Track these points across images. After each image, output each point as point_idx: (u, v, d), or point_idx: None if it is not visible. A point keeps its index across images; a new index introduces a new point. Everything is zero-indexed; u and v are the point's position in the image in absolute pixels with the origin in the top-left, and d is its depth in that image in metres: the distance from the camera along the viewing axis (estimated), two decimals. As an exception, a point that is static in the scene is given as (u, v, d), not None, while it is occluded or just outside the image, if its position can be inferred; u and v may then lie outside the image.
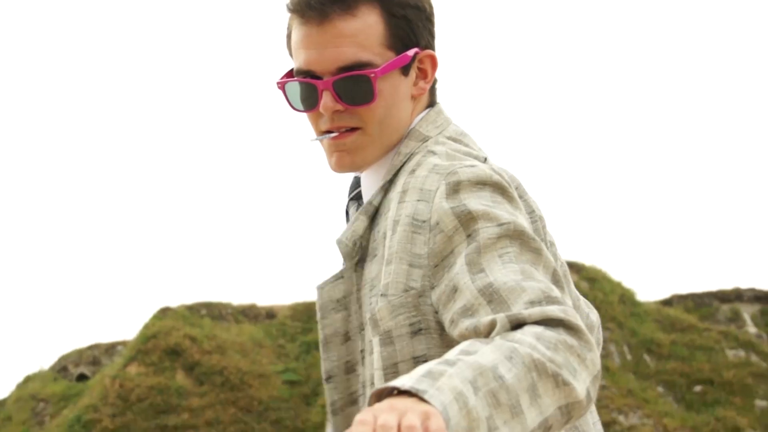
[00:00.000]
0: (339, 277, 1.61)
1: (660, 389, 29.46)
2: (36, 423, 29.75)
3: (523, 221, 1.44)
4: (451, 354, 1.24)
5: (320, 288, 1.62)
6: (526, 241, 1.40)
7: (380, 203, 1.61)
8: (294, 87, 1.63)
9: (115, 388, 26.50)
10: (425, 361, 1.48)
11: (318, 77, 1.60)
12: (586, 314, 1.76)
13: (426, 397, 1.13)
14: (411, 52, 1.60)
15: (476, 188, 1.45)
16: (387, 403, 1.13)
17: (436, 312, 1.47)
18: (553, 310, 1.29)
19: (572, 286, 1.76)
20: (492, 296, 1.33)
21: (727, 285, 34.17)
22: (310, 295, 32.74)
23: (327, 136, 1.62)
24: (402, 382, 1.16)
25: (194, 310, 28.52)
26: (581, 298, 1.77)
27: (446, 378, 1.17)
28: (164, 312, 28.98)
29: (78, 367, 32.06)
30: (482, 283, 1.35)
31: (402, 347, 1.48)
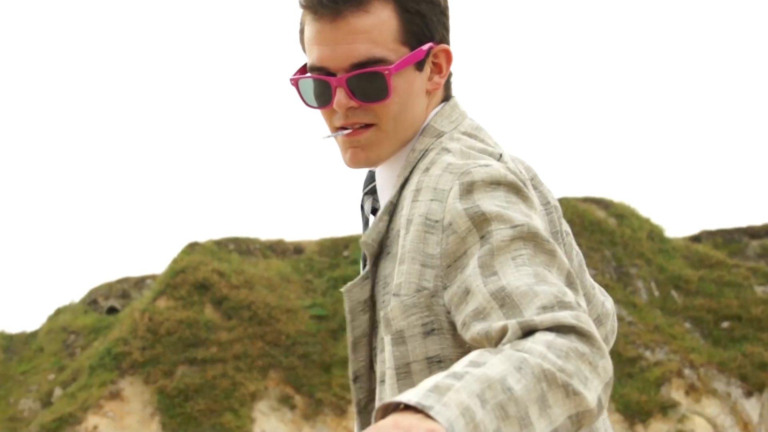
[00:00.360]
0: (365, 278, 1.60)
1: (687, 325, 29.45)
2: (67, 355, 30.10)
3: (538, 222, 1.43)
4: (460, 366, 1.23)
5: (347, 291, 1.60)
6: (540, 243, 1.39)
7: (397, 200, 1.60)
8: (307, 83, 1.62)
9: (145, 321, 26.78)
10: (438, 361, 1.48)
11: (332, 74, 1.60)
12: (601, 302, 1.76)
13: (432, 413, 1.13)
14: (425, 48, 1.58)
15: (490, 188, 1.44)
16: (391, 419, 1.13)
17: (449, 312, 1.46)
18: (565, 317, 1.28)
19: (587, 275, 1.76)
20: (504, 300, 1.33)
21: (757, 221, 33.95)
22: (338, 231, 32.88)
23: (341, 132, 1.61)
24: (408, 397, 1.15)
25: (222, 245, 28.66)
26: (596, 285, 1.77)
27: (453, 392, 1.17)
28: (192, 247, 29.15)
29: (108, 300, 32.36)
30: (495, 287, 1.34)
31: (414, 347, 1.48)
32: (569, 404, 1.23)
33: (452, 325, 1.48)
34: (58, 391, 27.48)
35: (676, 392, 26.79)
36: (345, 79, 1.56)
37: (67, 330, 30.81)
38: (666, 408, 26.26)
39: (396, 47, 1.57)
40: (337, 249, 30.55)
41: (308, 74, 1.61)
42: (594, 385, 1.26)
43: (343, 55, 1.55)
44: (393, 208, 1.59)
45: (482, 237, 1.40)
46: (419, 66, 1.59)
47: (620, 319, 29.01)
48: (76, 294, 39.11)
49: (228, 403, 24.57)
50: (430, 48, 1.59)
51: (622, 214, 32.33)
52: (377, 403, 1.54)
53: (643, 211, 35.77)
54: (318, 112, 1.68)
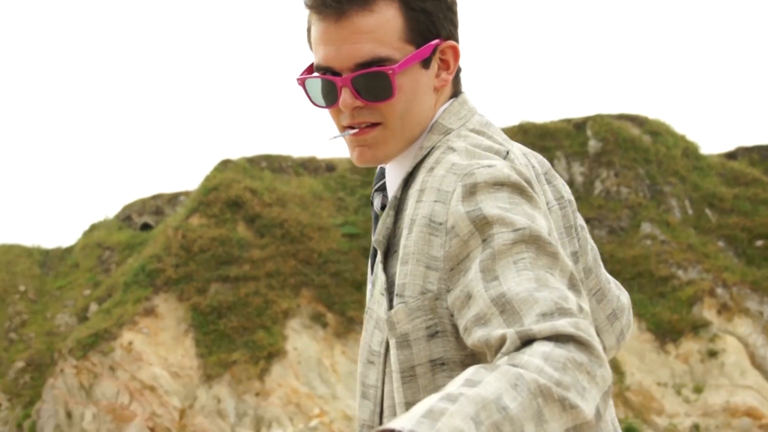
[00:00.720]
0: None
1: (720, 244, 29.33)
2: (102, 270, 30.39)
3: (542, 222, 1.42)
4: (455, 385, 1.22)
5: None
6: (542, 246, 1.37)
7: (401, 196, 1.61)
8: (314, 83, 1.63)
9: (178, 238, 26.95)
10: (442, 364, 1.47)
11: (337, 73, 1.60)
12: (616, 296, 1.77)
13: None
14: (432, 45, 1.58)
15: (494, 189, 1.42)
16: None
17: (452, 315, 1.46)
18: (563, 325, 1.27)
19: (602, 270, 1.75)
20: (504, 306, 1.31)
21: (794, 139, 33.51)
22: (371, 147, 32.76)
23: (348, 132, 1.62)
24: (401, 423, 1.14)
25: (254, 162, 28.69)
26: (611, 280, 1.78)
27: (447, 417, 1.15)
28: (225, 164, 29.19)
29: (142, 217, 32.55)
30: (495, 293, 1.33)
31: (419, 350, 1.47)
32: (566, 418, 1.21)
33: (455, 328, 1.47)
34: (93, 307, 27.82)
35: (708, 311, 26.78)
36: (350, 78, 1.56)
37: (102, 246, 31.07)
38: (697, 327, 26.28)
39: (401, 46, 1.56)
40: (369, 167, 30.56)
41: (314, 74, 1.62)
42: (592, 395, 1.24)
43: (347, 55, 1.55)
44: (398, 203, 1.59)
45: (484, 240, 1.39)
46: (425, 63, 1.59)
47: (653, 237, 28.93)
48: (110, 210, 39.39)
49: (260, 320, 24.80)
50: (437, 45, 1.59)
51: (657, 131, 32.04)
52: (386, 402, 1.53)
53: (679, 127, 35.51)
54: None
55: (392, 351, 1.49)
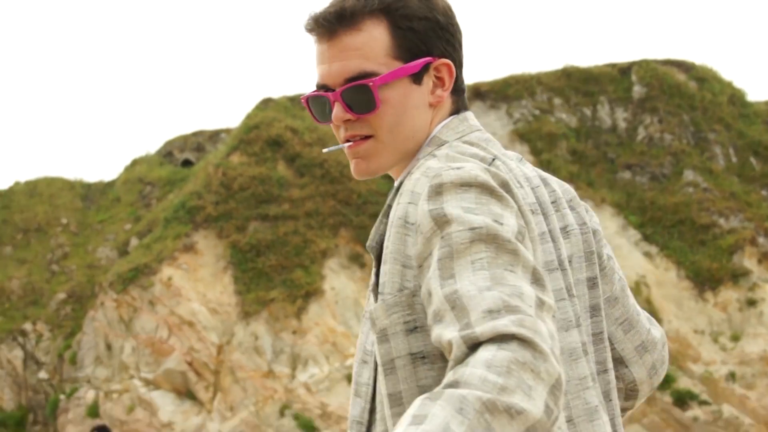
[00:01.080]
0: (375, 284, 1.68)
1: (764, 193, 29.09)
2: (143, 205, 30.58)
3: (510, 221, 1.45)
4: (402, 426, 1.24)
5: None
6: (501, 244, 1.40)
7: (391, 204, 1.66)
8: (314, 100, 1.73)
9: (218, 176, 27.01)
10: (422, 357, 1.51)
11: (332, 90, 1.69)
12: (646, 329, 1.77)
13: None
14: (420, 61, 1.64)
15: (461, 190, 1.47)
16: None
17: None
18: (505, 325, 1.30)
19: (630, 301, 1.77)
20: (455, 303, 1.35)
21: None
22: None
23: (344, 145, 1.70)
24: None
25: (296, 101, 28.70)
26: (642, 312, 1.79)
27: None
28: (266, 103, 29.19)
29: (183, 153, 32.66)
30: (449, 290, 1.37)
31: (397, 344, 1.50)
32: (515, 425, 1.24)
33: None
34: (134, 241, 28.08)
35: (748, 260, 26.63)
36: (339, 93, 1.65)
37: (143, 181, 31.25)
38: (737, 276, 26.16)
39: (387, 61, 1.63)
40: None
41: (313, 92, 1.71)
42: (539, 392, 1.26)
43: (337, 72, 1.65)
44: (388, 210, 1.64)
45: (442, 238, 1.42)
46: (416, 79, 1.65)
47: (695, 185, 28.72)
48: (152, 145, 39.62)
49: (299, 259, 24.94)
50: (429, 62, 1.65)
51: (703, 77, 31.67)
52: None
53: (726, 74, 35.01)
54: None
55: (375, 346, 1.53)
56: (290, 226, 25.55)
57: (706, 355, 25.19)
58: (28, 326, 26.95)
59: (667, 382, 24.09)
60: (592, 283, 1.64)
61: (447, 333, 1.34)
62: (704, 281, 26.34)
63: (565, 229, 1.62)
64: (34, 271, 28.49)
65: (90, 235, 29.75)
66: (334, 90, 1.68)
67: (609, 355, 1.63)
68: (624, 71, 31.30)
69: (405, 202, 1.53)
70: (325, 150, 1.85)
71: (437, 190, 1.48)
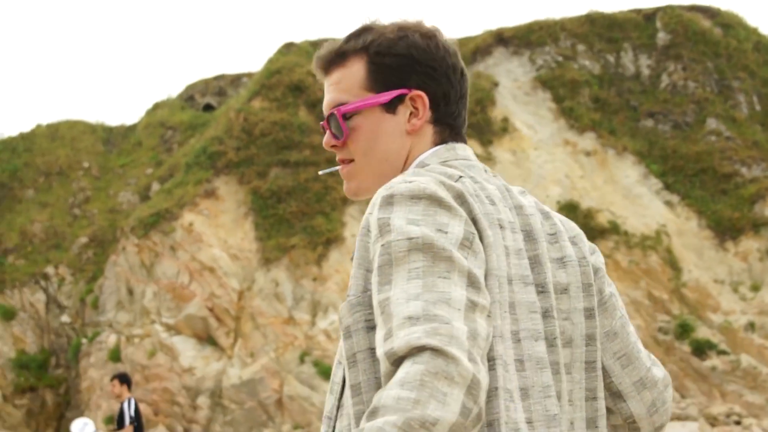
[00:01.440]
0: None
1: (787, 141, 28.93)
2: (164, 150, 30.61)
3: (455, 229, 1.55)
4: None
5: None
6: (436, 253, 1.50)
7: None
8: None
9: (240, 121, 26.98)
10: None
11: None
12: (646, 367, 1.84)
13: None
14: (391, 93, 1.78)
15: (411, 202, 1.57)
16: None
17: None
18: (417, 338, 1.40)
19: (631, 338, 1.83)
20: (384, 309, 1.47)
21: None
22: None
23: (337, 168, 1.89)
24: None
25: (318, 46, 28.30)
26: (643, 351, 1.85)
27: None
28: (288, 47, 29.07)
29: (204, 97, 32.59)
30: (383, 297, 1.49)
31: (359, 340, 1.59)
32: None
33: None
34: (155, 186, 28.17)
35: (770, 210, 26.57)
36: (325, 121, 1.84)
37: (165, 125, 31.26)
38: (758, 225, 26.09)
39: (360, 92, 1.78)
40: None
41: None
42: (454, 396, 1.36)
43: (327, 103, 1.84)
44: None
45: (383, 246, 1.53)
46: (389, 109, 1.79)
47: (718, 134, 28.56)
48: (173, 89, 39.49)
49: (319, 206, 24.99)
50: (402, 94, 1.78)
51: (728, 23, 31.37)
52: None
53: (751, 20, 34.57)
54: None
55: (341, 342, 1.63)
56: (311, 173, 25.56)
57: (726, 304, 25.20)
58: (50, 270, 27.15)
59: (685, 331, 24.14)
60: (588, 313, 1.74)
61: (378, 345, 1.47)
62: (725, 231, 26.29)
63: (561, 260, 1.73)
64: (56, 215, 28.64)
65: (111, 179, 29.85)
66: None
67: (600, 384, 1.73)
68: (648, 17, 31.02)
69: (367, 213, 1.64)
70: (320, 172, 2.03)
71: (389, 201, 1.58)
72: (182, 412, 23.10)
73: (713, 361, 23.61)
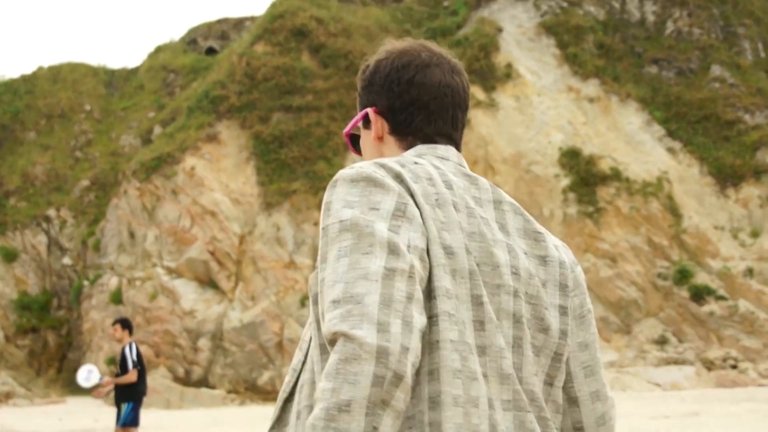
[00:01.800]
0: None
1: (792, 89, 28.77)
2: (167, 93, 30.53)
3: (386, 205, 1.69)
4: None
5: None
6: (361, 229, 1.64)
7: None
8: None
9: (242, 65, 26.87)
10: None
11: None
12: (603, 383, 1.97)
13: None
14: (362, 113, 2.03)
15: (350, 185, 1.72)
16: None
17: None
18: (333, 325, 1.53)
19: (597, 354, 1.96)
20: (321, 288, 1.62)
21: None
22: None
23: None
24: None
25: (322, -9, 28.22)
26: (603, 382, 1.97)
27: None
28: (292, -10, 28.88)
29: (207, 41, 32.44)
30: (321, 277, 1.64)
31: (323, 304, 1.69)
32: (354, 414, 1.48)
33: None
34: (157, 129, 28.15)
35: (772, 157, 26.50)
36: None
37: (167, 68, 31.15)
38: (760, 173, 26.04)
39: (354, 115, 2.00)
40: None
41: None
42: (364, 372, 1.49)
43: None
44: None
45: (323, 229, 1.68)
46: (366, 125, 2.03)
47: (722, 81, 28.42)
48: (175, 32, 39.25)
49: (321, 151, 24.98)
50: (366, 113, 2.02)
51: (735, -31, 31.14)
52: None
53: (758, -34, 34.31)
54: None
55: (310, 307, 1.77)
56: (313, 118, 25.51)
57: (725, 250, 25.24)
58: (51, 212, 27.23)
59: (684, 277, 24.21)
60: (563, 311, 1.86)
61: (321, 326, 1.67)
62: (726, 177, 26.25)
63: (544, 258, 1.86)
64: (58, 157, 28.64)
65: (113, 122, 29.82)
66: None
67: (561, 376, 1.84)
68: (654, -38, 30.77)
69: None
70: None
71: (333, 185, 1.73)
72: (183, 354, 23.26)
73: (711, 306, 23.71)
